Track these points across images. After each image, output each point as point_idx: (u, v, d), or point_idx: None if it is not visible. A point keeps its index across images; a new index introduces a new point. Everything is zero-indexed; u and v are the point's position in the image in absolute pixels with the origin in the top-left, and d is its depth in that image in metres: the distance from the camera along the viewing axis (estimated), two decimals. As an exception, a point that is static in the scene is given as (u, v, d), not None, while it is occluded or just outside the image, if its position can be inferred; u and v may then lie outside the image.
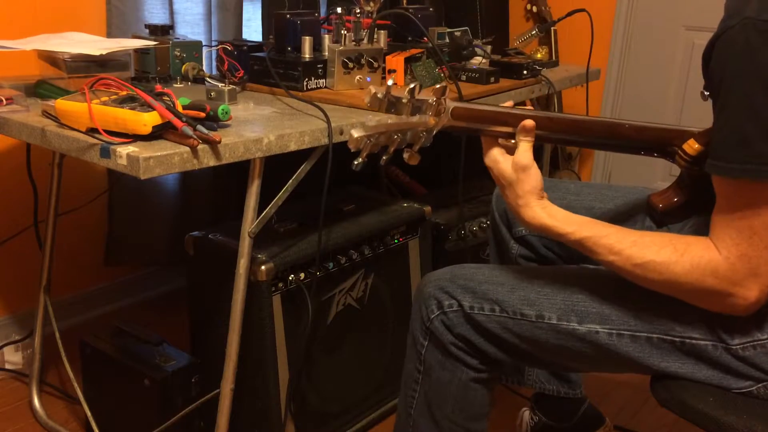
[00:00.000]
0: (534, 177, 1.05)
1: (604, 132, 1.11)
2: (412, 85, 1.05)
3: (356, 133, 1.00)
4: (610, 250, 1.00)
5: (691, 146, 1.08)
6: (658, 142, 1.12)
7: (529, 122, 1.07)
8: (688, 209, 1.14)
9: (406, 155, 1.09)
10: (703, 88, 1.10)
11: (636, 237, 1.00)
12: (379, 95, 1.04)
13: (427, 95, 1.07)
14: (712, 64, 0.94)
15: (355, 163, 1.03)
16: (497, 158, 1.09)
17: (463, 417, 1.21)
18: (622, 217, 1.35)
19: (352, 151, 1.02)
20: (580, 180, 2.88)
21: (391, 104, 1.05)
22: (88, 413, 1.56)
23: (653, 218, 1.17)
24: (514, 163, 1.06)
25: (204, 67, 1.71)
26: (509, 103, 1.13)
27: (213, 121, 1.23)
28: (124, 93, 1.23)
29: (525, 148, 1.06)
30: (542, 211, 1.06)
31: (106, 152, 1.12)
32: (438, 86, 1.07)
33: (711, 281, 0.94)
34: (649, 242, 0.99)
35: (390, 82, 1.04)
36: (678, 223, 1.21)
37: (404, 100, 1.05)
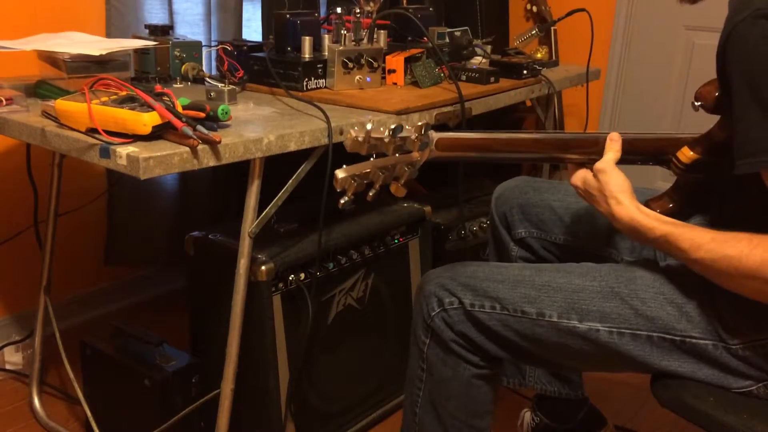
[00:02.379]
0: (618, 177, 1.07)
1: (595, 148, 1.12)
2: (393, 126, 1.05)
3: (341, 174, 1.01)
4: (691, 245, 0.99)
5: (685, 154, 1.08)
6: (651, 152, 1.13)
7: (614, 134, 1.11)
8: (684, 214, 1.14)
9: (392, 188, 1.09)
10: (694, 99, 1.11)
11: (715, 234, 0.98)
12: (359, 138, 1.03)
13: (410, 130, 1.07)
14: (728, 63, 0.93)
15: (342, 202, 1.03)
16: (583, 175, 1.12)
17: (467, 414, 1.21)
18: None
19: (338, 191, 1.03)
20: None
21: (372, 146, 1.05)
22: (89, 413, 1.56)
23: None
24: (594, 169, 1.09)
25: (204, 68, 1.71)
26: None
27: (213, 121, 1.23)
28: (124, 93, 1.23)
29: (608, 158, 1.09)
30: (632, 207, 1.06)
31: (105, 152, 1.12)
32: (420, 123, 1.07)
33: None
34: (728, 237, 0.96)
35: (369, 126, 1.03)
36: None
37: (386, 140, 1.05)
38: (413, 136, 1.07)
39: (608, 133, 1.13)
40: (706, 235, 0.98)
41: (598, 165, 1.08)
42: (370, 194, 1.06)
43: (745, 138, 0.92)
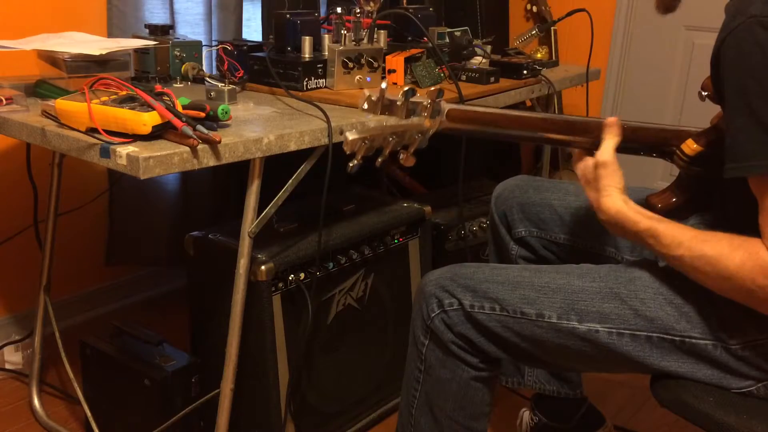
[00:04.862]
0: (615, 173, 1.07)
1: (600, 132, 1.12)
2: (406, 88, 1.05)
3: (351, 136, 1.00)
4: (672, 242, 1.00)
5: (689, 147, 1.08)
6: (655, 143, 1.12)
7: (611, 119, 1.10)
8: (686, 209, 1.14)
9: (401, 157, 1.09)
10: (701, 88, 1.11)
11: (696, 232, 0.99)
12: (373, 98, 1.04)
13: (423, 97, 1.07)
14: (722, 68, 0.93)
15: (350, 165, 1.03)
16: (584, 163, 1.12)
17: (464, 416, 1.21)
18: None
19: (347, 153, 1.03)
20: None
21: (385, 107, 1.05)
22: (88, 413, 1.56)
23: None
24: (595, 160, 1.09)
25: (204, 67, 1.71)
26: None
27: (213, 121, 1.23)
28: (124, 93, 1.23)
29: (607, 146, 1.09)
30: (620, 200, 1.06)
31: (106, 152, 1.12)
32: (433, 88, 1.07)
33: (762, 281, 0.91)
34: (709, 236, 0.97)
35: (384, 85, 1.03)
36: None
37: (399, 103, 1.05)
38: (425, 102, 1.07)
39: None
40: (688, 233, 0.99)
41: (600, 158, 1.08)
42: (379, 160, 1.06)
43: (733, 142, 0.93)
